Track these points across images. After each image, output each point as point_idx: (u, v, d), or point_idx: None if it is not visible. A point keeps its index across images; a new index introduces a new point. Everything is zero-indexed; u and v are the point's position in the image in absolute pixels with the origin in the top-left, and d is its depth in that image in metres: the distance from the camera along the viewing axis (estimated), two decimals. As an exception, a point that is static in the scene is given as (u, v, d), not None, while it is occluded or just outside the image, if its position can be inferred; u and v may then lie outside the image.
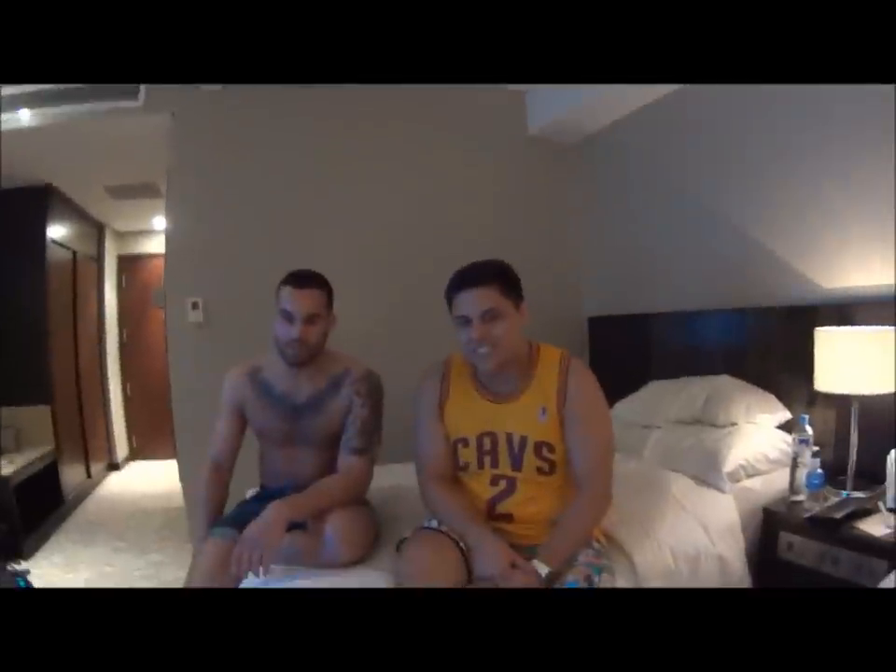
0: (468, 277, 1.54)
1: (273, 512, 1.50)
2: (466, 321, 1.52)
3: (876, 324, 1.93)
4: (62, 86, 2.92)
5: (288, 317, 1.68)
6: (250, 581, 1.50)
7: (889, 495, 1.75)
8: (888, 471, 1.75)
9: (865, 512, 1.76)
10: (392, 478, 2.05)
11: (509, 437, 1.57)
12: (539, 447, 1.55)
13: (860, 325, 1.98)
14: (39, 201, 3.94)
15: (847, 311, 2.10)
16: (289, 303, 1.69)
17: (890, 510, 1.72)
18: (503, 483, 1.57)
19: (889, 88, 1.92)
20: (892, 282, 2.01)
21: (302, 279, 1.72)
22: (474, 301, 1.50)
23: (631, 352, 3.25)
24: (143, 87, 2.96)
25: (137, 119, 3.04)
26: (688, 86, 2.83)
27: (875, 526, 1.69)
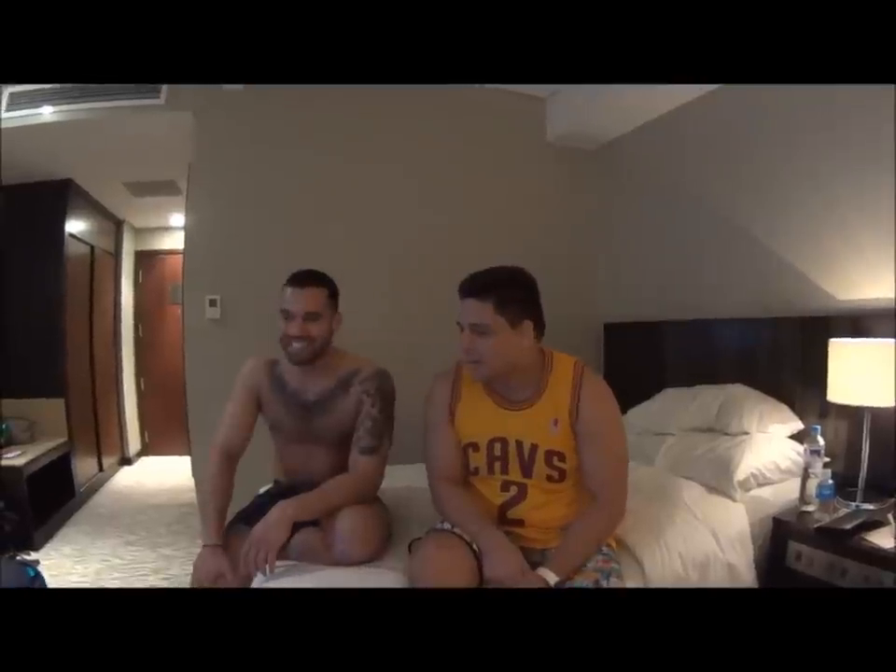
0: (466, 285, 1.52)
1: (279, 512, 1.51)
2: (460, 328, 1.53)
3: (889, 336, 1.93)
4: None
5: (287, 316, 1.71)
6: (260, 580, 1.52)
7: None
8: (899, 484, 1.75)
9: (875, 524, 1.76)
10: (404, 479, 2.06)
11: (519, 444, 1.56)
12: (549, 456, 1.55)
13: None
14: (59, 195, 3.97)
15: (861, 322, 2.10)
16: (288, 302, 1.72)
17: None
18: (514, 489, 1.57)
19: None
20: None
21: (302, 279, 1.74)
22: (465, 311, 1.50)
23: (646, 359, 3.26)
24: (165, 85, 3.00)
25: (158, 116, 3.07)
26: (704, 95, 2.85)
27: (885, 539, 1.69)
